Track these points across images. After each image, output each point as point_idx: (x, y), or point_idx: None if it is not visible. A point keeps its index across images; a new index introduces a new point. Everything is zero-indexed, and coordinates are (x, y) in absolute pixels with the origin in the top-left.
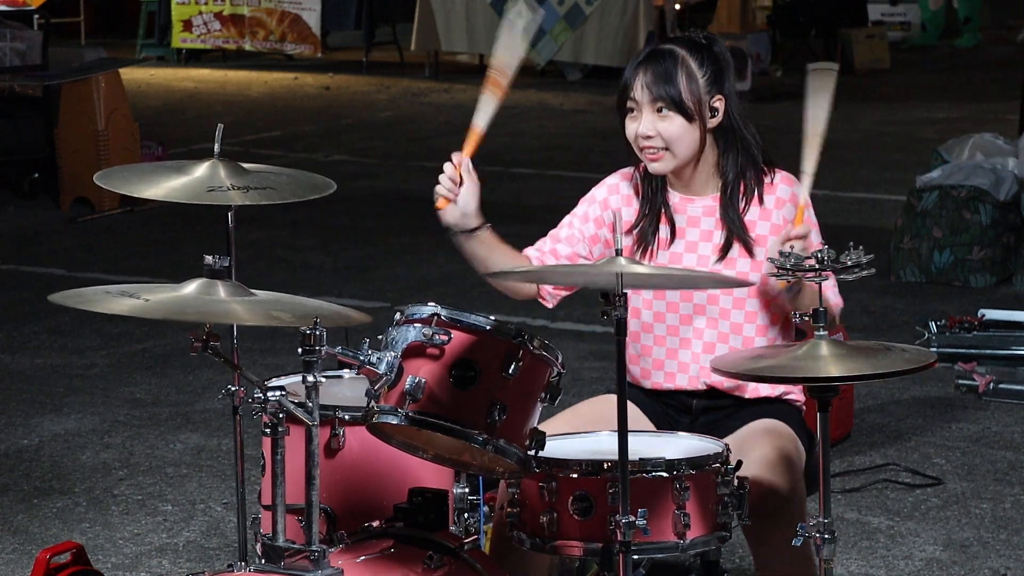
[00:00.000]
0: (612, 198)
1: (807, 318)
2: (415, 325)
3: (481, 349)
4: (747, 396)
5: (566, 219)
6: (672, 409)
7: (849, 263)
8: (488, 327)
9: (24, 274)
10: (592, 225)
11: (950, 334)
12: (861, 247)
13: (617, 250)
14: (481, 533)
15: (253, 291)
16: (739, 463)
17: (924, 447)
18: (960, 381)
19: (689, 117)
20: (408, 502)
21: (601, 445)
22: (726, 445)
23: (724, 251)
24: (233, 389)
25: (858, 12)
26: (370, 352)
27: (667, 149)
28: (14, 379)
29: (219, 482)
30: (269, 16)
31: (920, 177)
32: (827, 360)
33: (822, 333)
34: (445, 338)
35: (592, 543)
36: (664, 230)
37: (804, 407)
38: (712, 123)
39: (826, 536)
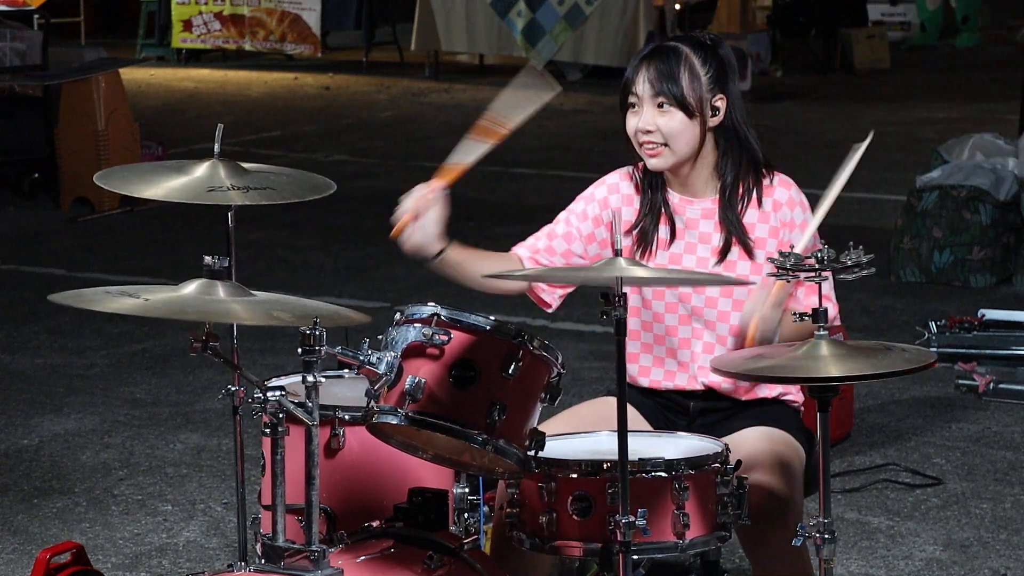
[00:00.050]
0: (612, 197)
1: (806, 318)
2: (415, 325)
3: (481, 349)
4: (744, 398)
5: (562, 215)
6: (669, 411)
7: (849, 263)
8: (488, 327)
9: (24, 274)
10: (590, 223)
11: (950, 334)
12: (861, 247)
13: (617, 250)
14: (481, 533)
15: (253, 292)
16: (738, 463)
17: (924, 447)
18: (960, 381)
19: (690, 114)
20: (408, 502)
21: (600, 445)
22: (725, 445)
23: (723, 253)
24: (233, 389)
25: (858, 12)
26: (370, 352)
27: (666, 145)
28: (14, 379)
29: (219, 482)
30: (269, 16)
31: (920, 177)
32: (827, 360)
33: (822, 333)
34: (445, 338)
35: (591, 543)
36: (664, 230)
37: (802, 408)
38: (713, 122)
39: (826, 536)
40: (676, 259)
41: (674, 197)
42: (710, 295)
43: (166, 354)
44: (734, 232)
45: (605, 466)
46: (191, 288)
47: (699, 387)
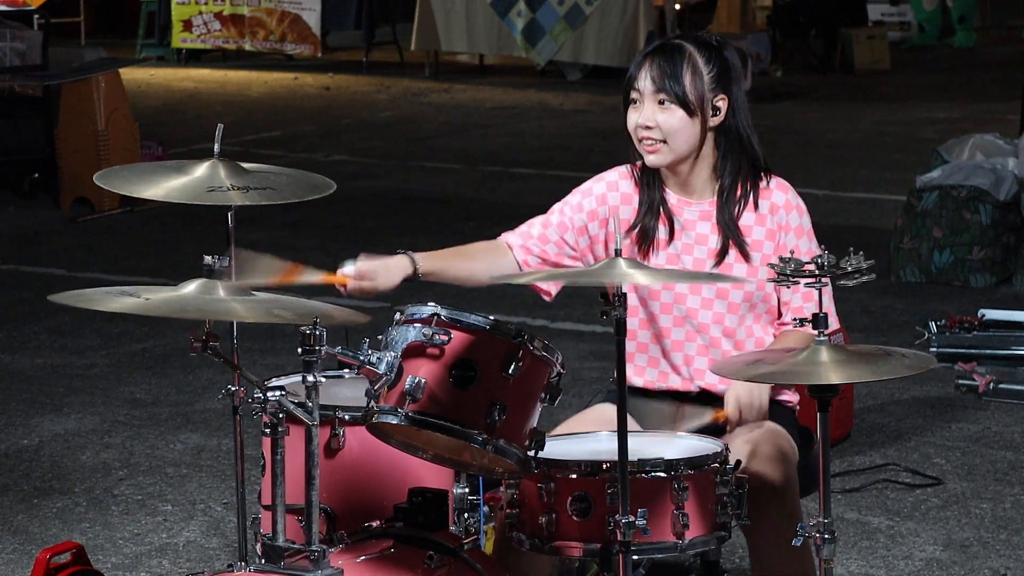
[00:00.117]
0: (611, 195)
1: (807, 323)
2: (415, 325)
3: (481, 349)
4: None
5: (557, 206)
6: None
7: (849, 269)
8: (488, 327)
9: (24, 274)
10: (585, 216)
11: (950, 334)
12: (861, 252)
13: (616, 250)
14: (481, 533)
15: (252, 292)
16: (738, 463)
17: (924, 447)
18: (960, 381)
19: (690, 112)
20: (408, 502)
21: (600, 445)
22: (725, 445)
23: (720, 256)
24: (233, 389)
25: (858, 12)
26: (370, 352)
27: (665, 142)
28: (14, 379)
29: (219, 482)
30: (269, 16)
31: (920, 177)
32: (827, 366)
33: (822, 339)
34: (445, 338)
35: (591, 543)
36: (663, 230)
37: (798, 408)
38: (714, 122)
39: (826, 536)
40: (674, 260)
41: (672, 197)
42: (706, 297)
43: (166, 354)
44: (731, 235)
45: (605, 466)
46: (191, 288)
47: (694, 389)
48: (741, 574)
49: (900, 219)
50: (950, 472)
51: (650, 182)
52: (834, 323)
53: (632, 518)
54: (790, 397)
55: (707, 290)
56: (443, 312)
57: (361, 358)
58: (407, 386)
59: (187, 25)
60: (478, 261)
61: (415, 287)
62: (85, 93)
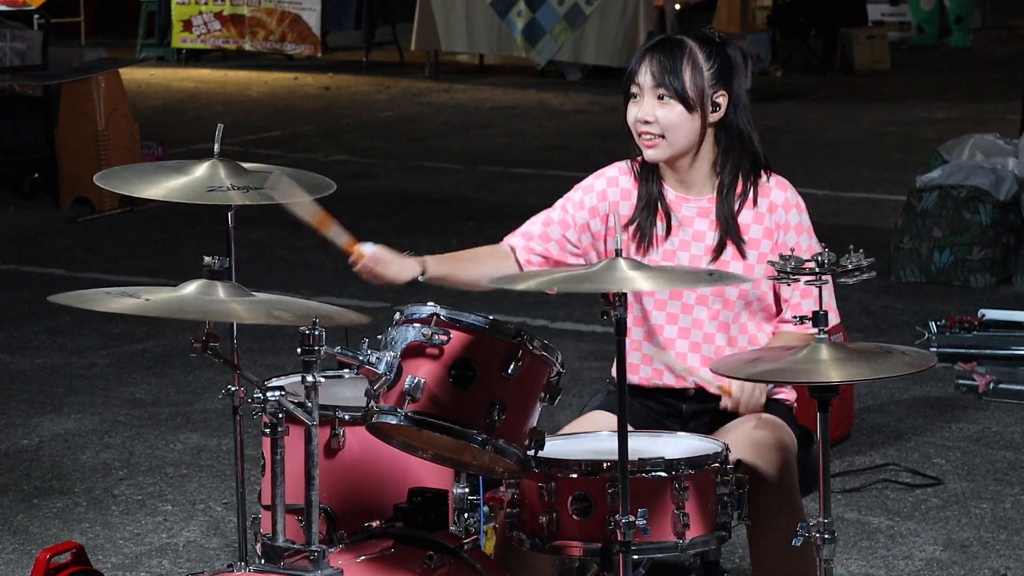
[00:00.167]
0: (611, 191)
1: (807, 320)
2: (414, 325)
3: (480, 349)
4: None
5: (559, 202)
6: (663, 416)
7: (849, 266)
8: (487, 327)
9: (24, 274)
10: (586, 213)
11: (950, 334)
12: (861, 250)
13: (617, 250)
14: (481, 533)
15: (253, 292)
16: (738, 463)
17: (924, 447)
18: (960, 381)
19: (689, 107)
20: (408, 502)
21: (601, 445)
22: (725, 445)
23: (717, 252)
24: (233, 389)
25: (858, 12)
26: (370, 352)
27: (663, 136)
28: (14, 379)
29: (219, 482)
30: (269, 16)
31: (920, 177)
32: (827, 364)
33: (821, 336)
34: (444, 338)
35: (591, 543)
36: (660, 226)
37: (795, 405)
38: (713, 118)
39: (826, 536)
40: (670, 256)
41: (670, 193)
42: (701, 293)
43: (166, 354)
44: (728, 231)
45: (605, 466)
46: (191, 288)
47: (689, 386)
48: (741, 574)
49: (900, 219)
50: (950, 472)
51: (649, 177)
52: (834, 318)
53: (632, 518)
54: (787, 395)
55: (704, 287)
56: (442, 312)
57: (361, 358)
58: (407, 386)
59: (187, 25)
60: (482, 266)
61: (415, 287)
62: (85, 93)
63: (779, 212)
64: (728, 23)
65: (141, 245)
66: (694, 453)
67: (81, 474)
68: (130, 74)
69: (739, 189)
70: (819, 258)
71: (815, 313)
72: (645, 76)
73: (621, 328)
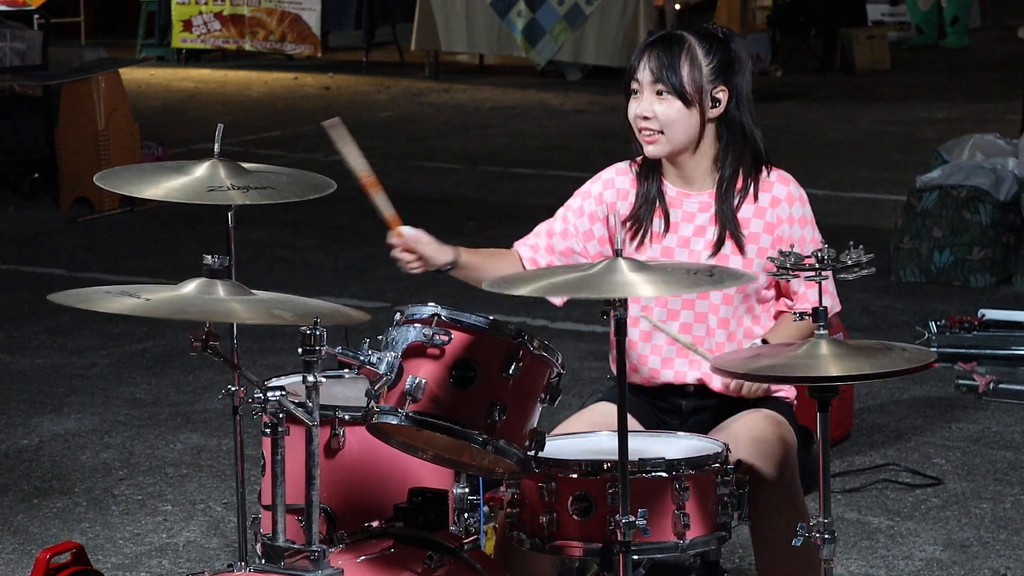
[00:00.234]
0: (607, 192)
1: (807, 316)
2: (415, 325)
3: (481, 349)
4: (736, 395)
5: (560, 212)
6: (663, 412)
7: (849, 262)
8: (488, 327)
9: (24, 274)
10: (587, 220)
11: (950, 334)
12: (861, 246)
13: (617, 250)
14: (481, 533)
15: (253, 291)
16: (739, 463)
17: (924, 447)
18: (960, 381)
19: (687, 103)
20: (408, 502)
21: (601, 445)
22: (725, 445)
23: (717, 247)
24: (233, 389)
25: (858, 12)
26: (370, 352)
27: (662, 132)
28: (14, 379)
29: (219, 482)
30: (269, 16)
31: (920, 177)
32: (827, 359)
33: (822, 332)
34: (445, 338)
35: (592, 543)
36: (658, 223)
37: (795, 403)
38: (713, 113)
39: (826, 536)
40: (668, 252)
41: (671, 189)
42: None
43: (166, 354)
44: (728, 226)
45: (605, 466)
46: (191, 288)
47: (688, 381)
48: (741, 574)
49: (900, 219)
50: (950, 472)
51: (649, 174)
52: (836, 305)
53: (633, 518)
54: (787, 393)
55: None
56: (443, 312)
57: (361, 358)
58: (407, 386)
59: (187, 25)
60: (505, 268)
61: (415, 287)
62: (85, 93)
63: (782, 206)
64: (728, 23)
65: (141, 245)
66: (694, 453)
67: (81, 474)
68: (130, 74)
69: (739, 184)
70: (819, 254)
71: (815, 309)
72: (644, 72)
73: (621, 328)
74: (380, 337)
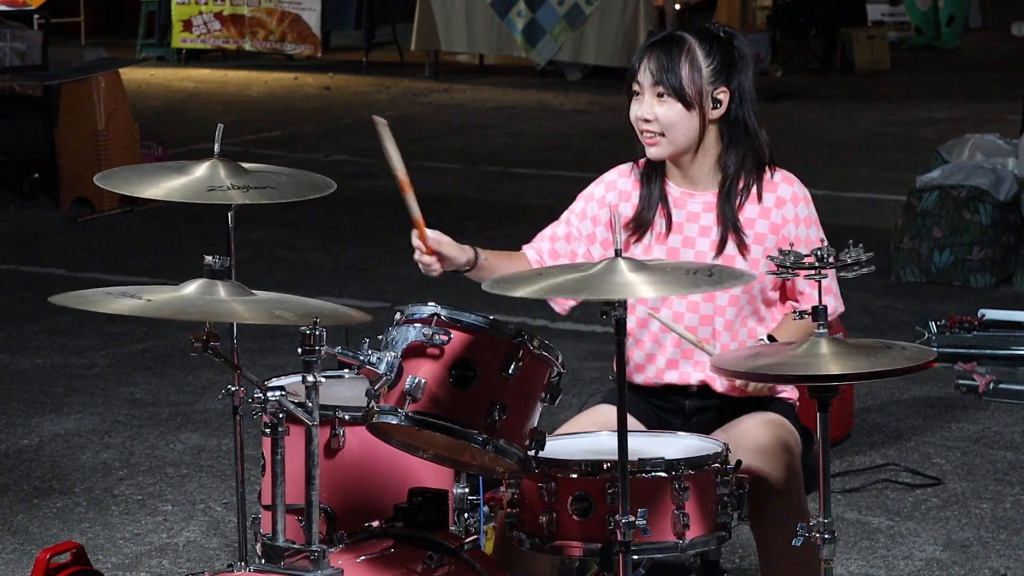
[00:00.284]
0: (609, 195)
1: (807, 315)
2: (415, 325)
3: (481, 349)
4: (739, 395)
5: (564, 215)
6: (665, 412)
7: (849, 261)
8: (488, 327)
9: (24, 274)
10: (590, 223)
11: (950, 334)
12: (861, 245)
13: (617, 250)
14: (481, 533)
15: (253, 291)
16: (738, 463)
17: (924, 447)
18: (960, 381)
19: (688, 105)
20: (408, 502)
21: (600, 445)
22: (725, 445)
23: (720, 247)
24: (233, 389)
25: (858, 12)
26: (370, 352)
27: (663, 134)
28: (14, 379)
29: (219, 482)
30: (269, 16)
31: (920, 177)
32: (827, 358)
33: (821, 331)
34: (445, 338)
35: (591, 543)
36: (661, 224)
37: (798, 403)
38: (714, 114)
39: (826, 536)
40: (673, 253)
41: (675, 190)
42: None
43: (166, 354)
44: (730, 226)
45: (605, 466)
46: (192, 288)
47: (692, 382)
48: (741, 574)
49: (900, 219)
50: (950, 472)
51: (652, 176)
52: (839, 307)
53: (632, 518)
54: (790, 394)
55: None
56: (443, 312)
57: (361, 358)
58: (407, 386)
59: (187, 25)
60: (510, 271)
61: (415, 287)
62: (85, 93)
63: (787, 207)
64: (728, 23)
65: (141, 245)
66: (694, 453)
67: (81, 474)
68: (130, 74)
69: (742, 184)
70: (818, 252)
71: (815, 308)
72: (645, 74)
73: (621, 328)
74: (380, 337)
